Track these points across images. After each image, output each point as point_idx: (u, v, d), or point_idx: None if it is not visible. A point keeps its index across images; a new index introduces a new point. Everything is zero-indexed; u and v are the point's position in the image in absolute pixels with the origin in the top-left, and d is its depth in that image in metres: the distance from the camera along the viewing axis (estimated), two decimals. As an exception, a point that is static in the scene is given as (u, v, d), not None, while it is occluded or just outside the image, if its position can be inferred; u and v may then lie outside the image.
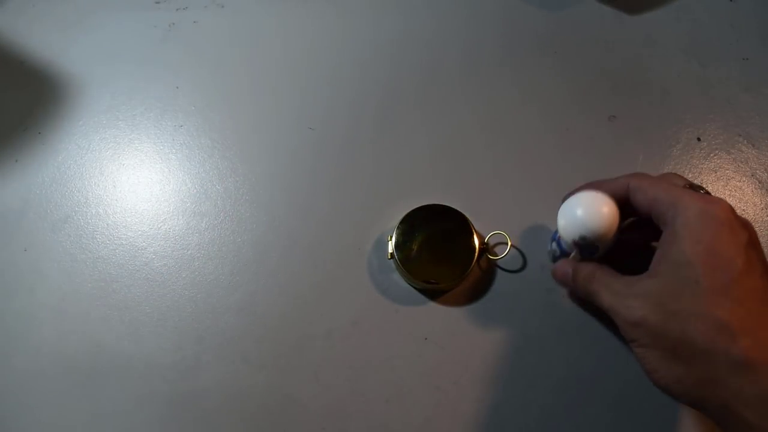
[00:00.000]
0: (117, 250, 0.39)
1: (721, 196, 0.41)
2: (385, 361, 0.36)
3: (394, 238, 0.37)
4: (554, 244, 0.36)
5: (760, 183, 0.42)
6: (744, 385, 0.23)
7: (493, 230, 0.39)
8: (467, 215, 0.38)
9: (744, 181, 0.42)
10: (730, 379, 0.24)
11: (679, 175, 0.32)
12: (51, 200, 0.41)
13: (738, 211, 0.41)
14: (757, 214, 0.40)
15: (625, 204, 0.31)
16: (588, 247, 0.32)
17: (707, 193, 0.30)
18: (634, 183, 0.31)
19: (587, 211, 0.32)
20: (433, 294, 0.38)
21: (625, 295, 0.28)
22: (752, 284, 0.25)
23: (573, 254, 0.34)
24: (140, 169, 0.42)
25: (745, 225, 0.28)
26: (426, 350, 0.36)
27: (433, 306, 0.37)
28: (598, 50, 0.47)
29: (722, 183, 0.41)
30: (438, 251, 0.37)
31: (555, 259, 0.38)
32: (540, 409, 0.35)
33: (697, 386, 0.25)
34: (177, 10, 0.49)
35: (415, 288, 0.38)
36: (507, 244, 0.38)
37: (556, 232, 0.34)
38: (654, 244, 0.33)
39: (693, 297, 0.25)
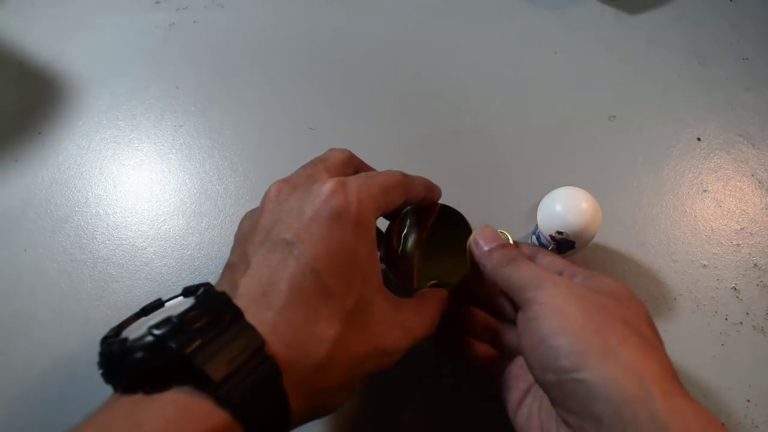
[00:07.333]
0: (117, 250, 0.39)
1: (721, 196, 0.41)
2: (385, 361, 0.36)
3: (394, 238, 0.37)
4: (534, 237, 0.37)
5: (760, 183, 0.42)
6: None
7: (493, 230, 0.39)
8: (467, 215, 0.38)
9: (744, 181, 0.42)
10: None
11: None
12: (51, 200, 0.41)
13: (738, 211, 0.41)
14: (757, 214, 0.40)
15: None
16: (565, 242, 0.33)
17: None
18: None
19: (566, 207, 0.32)
20: (433, 294, 0.37)
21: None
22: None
23: (550, 248, 0.34)
24: (140, 169, 0.42)
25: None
26: (426, 350, 0.36)
27: (433, 306, 0.37)
28: (598, 50, 0.47)
29: (722, 183, 0.41)
30: (438, 251, 0.37)
31: None
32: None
33: None
34: (177, 10, 0.49)
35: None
36: (507, 244, 0.38)
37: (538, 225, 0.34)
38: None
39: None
